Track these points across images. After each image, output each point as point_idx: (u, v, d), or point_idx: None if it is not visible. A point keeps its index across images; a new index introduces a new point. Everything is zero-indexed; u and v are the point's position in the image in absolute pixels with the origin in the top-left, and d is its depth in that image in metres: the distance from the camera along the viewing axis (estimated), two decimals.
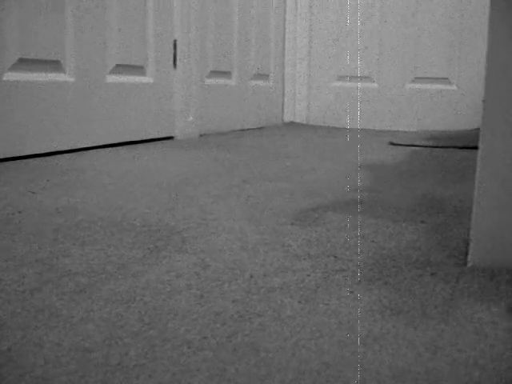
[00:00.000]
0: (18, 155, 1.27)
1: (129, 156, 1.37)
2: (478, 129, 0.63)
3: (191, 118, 1.87)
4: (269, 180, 1.09)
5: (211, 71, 2.00)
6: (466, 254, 0.58)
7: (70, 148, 1.41)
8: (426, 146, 1.75)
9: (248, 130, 2.23)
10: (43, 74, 1.34)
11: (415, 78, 2.38)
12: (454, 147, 1.72)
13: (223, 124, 2.10)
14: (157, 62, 1.72)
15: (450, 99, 2.33)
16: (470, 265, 0.56)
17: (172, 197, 0.91)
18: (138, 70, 1.65)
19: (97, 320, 0.44)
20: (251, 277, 0.55)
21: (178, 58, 1.80)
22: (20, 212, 0.78)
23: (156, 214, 0.79)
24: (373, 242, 0.67)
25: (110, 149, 1.49)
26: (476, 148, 0.60)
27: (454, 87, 2.33)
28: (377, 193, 0.99)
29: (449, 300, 0.50)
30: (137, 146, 1.59)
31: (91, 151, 1.43)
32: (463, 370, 0.37)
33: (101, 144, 1.51)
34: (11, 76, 1.25)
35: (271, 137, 1.97)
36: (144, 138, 1.68)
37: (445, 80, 2.34)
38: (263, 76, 2.38)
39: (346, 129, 2.42)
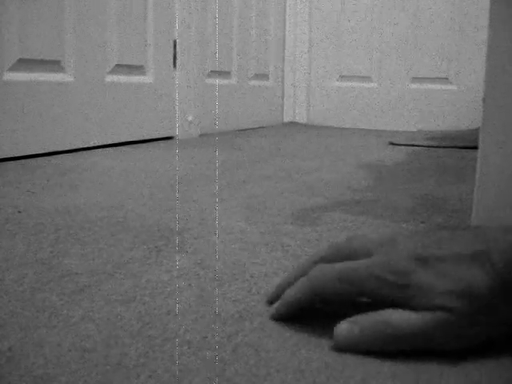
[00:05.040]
0: (18, 155, 1.27)
1: (129, 156, 1.38)
2: (478, 129, 0.62)
3: (191, 117, 1.87)
4: (269, 180, 1.09)
5: (211, 71, 2.00)
6: None
7: (69, 148, 1.41)
8: (426, 146, 1.75)
9: (248, 129, 2.23)
10: (43, 74, 1.34)
11: (415, 77, 2.38)
12: (454, 147, 1.72)
13: (223, 124, 2.10)
14: (157, 61, 1.72)
15: (449, 99, 2.34)
16: None
17: (172, 197, 0.91)
18: (138, 69, 1.66)
19: (97, 320, 0.44)
20: (251, 277, 0.55)
21: (178, 57, 1.80)
22: (20, 212, 0.78)
23: (156, 214, 0.79)
24: None
25: (110, 149, 1.49)
26: (476, 148, 0.60)
27: (454, 87, 2.33)
28: (377, 193, 0.99)
29: None
30: (137, 145, 1.59)
31: (91, 151, 1.43)
32: (463, 369, 0.37)
33: (101, 144, 1.51)
34: (11, 76, 1.25)
35: (271, 137, 1.97)
36: (144, 138, 1.68)
37: (445, 80, 2.34)
38: (263, 76, 2.38)
39: (346, 129, 2.42)
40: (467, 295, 0.38)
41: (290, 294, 0.44)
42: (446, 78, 2.33)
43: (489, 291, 0.38)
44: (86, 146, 1.46)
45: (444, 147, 1.73)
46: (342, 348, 0.40)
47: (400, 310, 0.39)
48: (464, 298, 0.38)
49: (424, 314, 0.39)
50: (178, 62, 1.80)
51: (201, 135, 1.93)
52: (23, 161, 1.24)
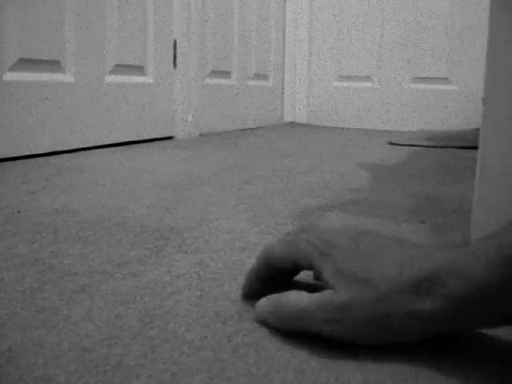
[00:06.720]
0: (18, 155, 1.27)
1: (129, 156, 1.38)
2: (478, 129, 0.63)
3: (191, 117, 1.87)
4: (269, 180, 1.09)
5: (211, 71, 2.00)
6: None
7: (70, 148, 1.41)
8: (426, 146, 1.75)
9: (248, 129, 2.23)
10: (43, 74, 1.34)
11: (415, 78, 2.38)
12: (454, 147, 1.72)
13: (223, 124, 2.10)
14: (157, 62, 1.72)
15: (450, 99, 2.34)
16: None
17: (172, 197, 0.91)
18: (138, 69, 1.65)
19: (97, 320, 0.44)
20: None
21: (177, 57, 1.80)
22: (20, 212, 0.78)
23: (156, 214, 0.79)
24: None
25: (109, 149, 1.49)
26: (476, 148, 0.60)
27: (454, 87, 2.33)
28: (377, 193, 0.99)
29: None
30: (137, 145, 1.59)
31: (91, 151, 1.43)
32: (463, 369, 0.37)
33: (101, 144, 1.51)
34: (11, 76, 1.25)
35: (271, 137, 1.97)
36: (144, 138, 1.68)
37: (445, 80, 2.34)
38: (263, 76, 2.38)
39: (346, 129, 2.42)
40: (367, 283, 0.37)
41: (249, 272, 0.48)
42: (446, 78, 2.33)
43: (388, 284, 0.37)
44: (85, 145, 1.46)
45: (444, 147, 1.73)
46: (258, 321, 0.43)
47: (300, 292, 0.41)
48: (363, 285, 0.37)
49: (316, 294, 0.39)
50: (178, 61, 1.80)
51: (201, 135, 1.93)
52: (23, 161, 1.24)
